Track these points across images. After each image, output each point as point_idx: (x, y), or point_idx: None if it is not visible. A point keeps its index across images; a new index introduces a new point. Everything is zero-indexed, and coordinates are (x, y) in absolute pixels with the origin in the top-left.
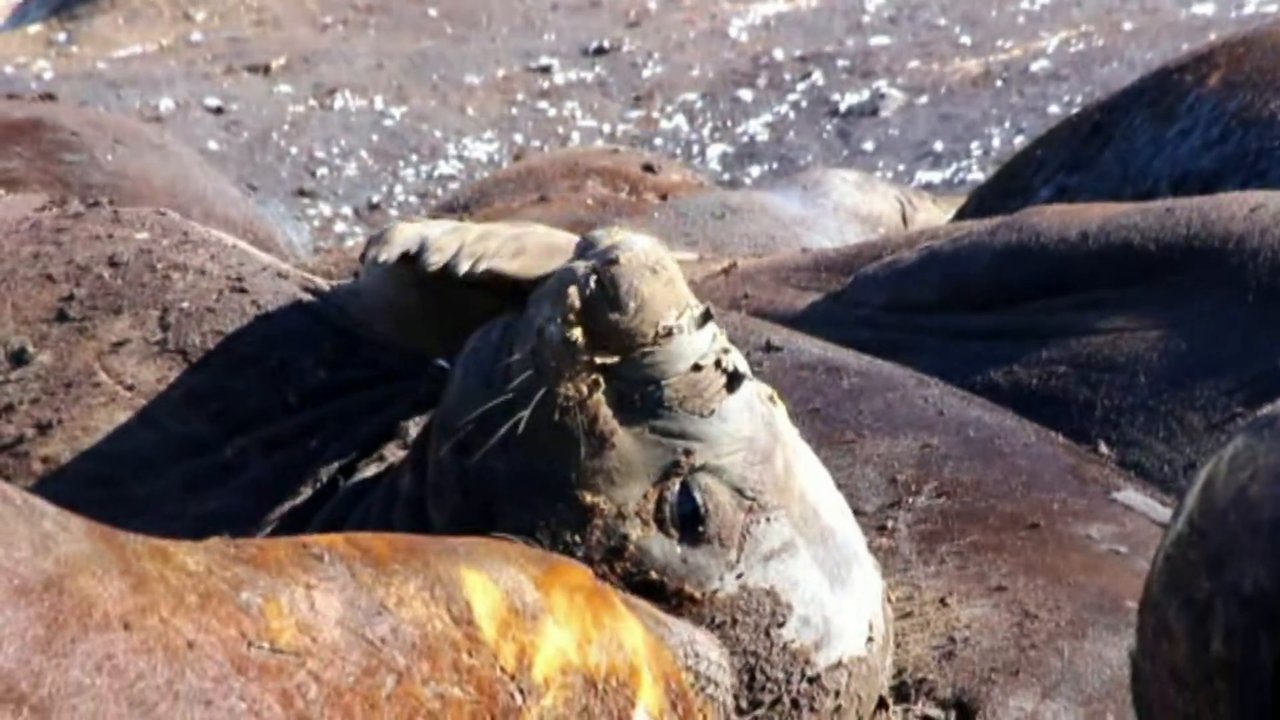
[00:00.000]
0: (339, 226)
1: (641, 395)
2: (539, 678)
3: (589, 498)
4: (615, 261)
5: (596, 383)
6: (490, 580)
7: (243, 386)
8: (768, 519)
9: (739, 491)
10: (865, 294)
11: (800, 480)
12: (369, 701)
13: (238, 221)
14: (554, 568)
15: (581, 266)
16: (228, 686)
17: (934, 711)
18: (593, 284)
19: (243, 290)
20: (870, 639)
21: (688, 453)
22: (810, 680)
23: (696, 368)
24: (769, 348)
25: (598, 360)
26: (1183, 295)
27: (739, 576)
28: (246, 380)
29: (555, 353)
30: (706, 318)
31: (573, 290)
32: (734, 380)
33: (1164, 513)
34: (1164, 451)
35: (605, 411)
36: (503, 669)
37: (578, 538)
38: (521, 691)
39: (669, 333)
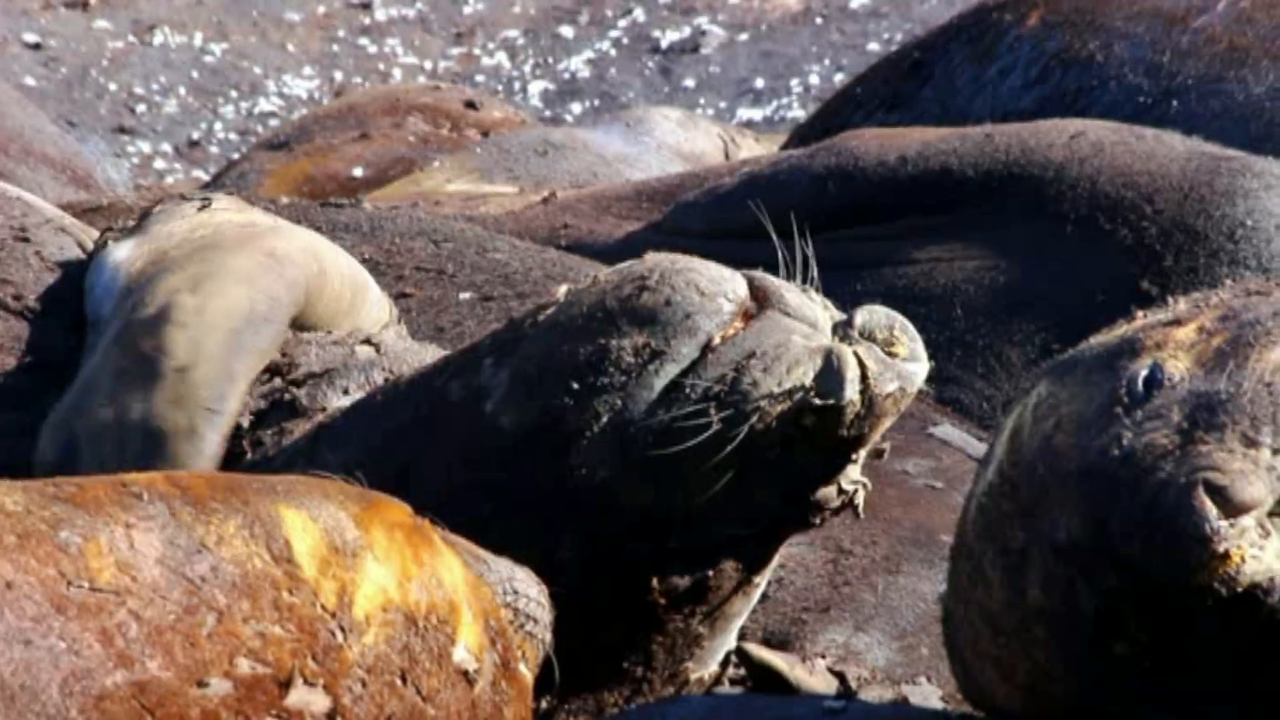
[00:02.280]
0: (159, 164)
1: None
2: (360, 615)
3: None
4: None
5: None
6: (309, 518)
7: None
8: None
9: None
10: (684, 220)
11: None
12: (189, 640)
13: (56, 159)
14: (373, 504)
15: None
16: (47, 626)
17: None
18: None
19: (25, 240)
20: None
21: None
22: None
23: None
24: None
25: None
26: (1001, 224)
27: None
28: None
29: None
30: None
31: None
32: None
33: (980, 448)
34: (982, 387)
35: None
36: (323, 607)
37: None
38: (342, 629)
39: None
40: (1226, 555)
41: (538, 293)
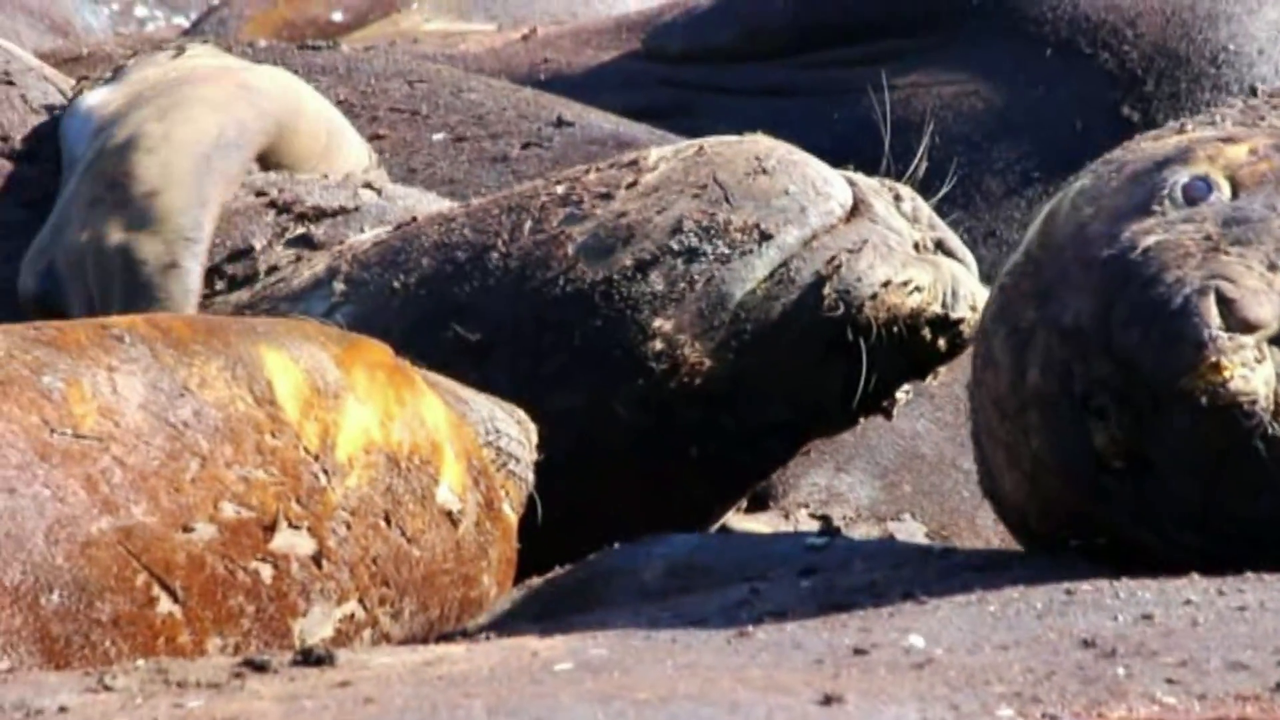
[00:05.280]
0: (139, 10)
1: None
2: (343, 457)
3: None
4: None
5: None
6: (291, 359)
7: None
8: None
9: None
10: (663, 41)
11: None
12: (173, 485)
13: (33, 5)
14: (354, 345)
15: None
16: (31, 474)
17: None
18: None
19: (10, 83)
20: None
21: None
22: None
23: None
24: (560, 123)
25: None
26: (982, 47)
27: None
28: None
29: None
30: None
31: None
32: None
33: None
34: (960, 217)
35: None
36: (306, 449)
37: None
38: (325, 472)
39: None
40: (1218, 366)
41: (511, 132)
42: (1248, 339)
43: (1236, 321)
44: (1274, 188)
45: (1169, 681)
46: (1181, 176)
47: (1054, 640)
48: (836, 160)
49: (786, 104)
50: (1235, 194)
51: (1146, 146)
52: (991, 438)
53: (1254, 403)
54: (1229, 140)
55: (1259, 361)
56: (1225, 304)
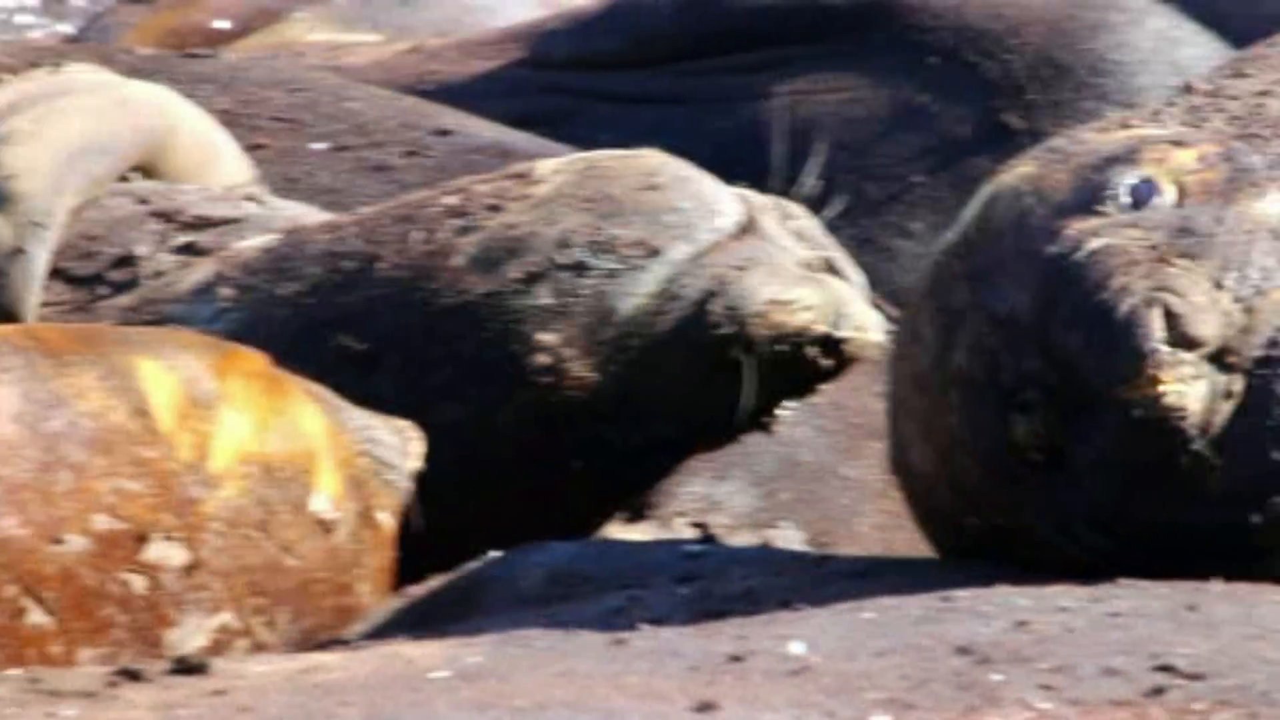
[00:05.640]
0: (20, 19)
1: None
2: (217, 468)
3: None
4: None
5: None
6: (167, 369)
7: None
8: None
9: None
10: (548, 48)
11: None
12: (45, 497)
13: None
14: (231, 354)
15: None
16: None
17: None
18: None
19: None
20: None
21: None
22: None
23: None
24: (441, 132)
25: None
26: (866, 56)
27: None
28: None
29: None
30: None
31: None
32: None
33: None
34: (841, 224)
35: None
36: (180, 461)
37: None
38: (200, 483)
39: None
40: (1156, 379)
41: (392, 141)
42: (1189, 355)
43: (1180, 337)
44: (1220, 199)
45: (1044, 688)
46: (1129, 178)
47: (930, 647)
48: (721, 168)
49: (671, 112)
50: (1180, 200)
51: (1092, 139)
52: (906, 411)
53: (1185, 419)
54: (1178, 144)
55: (1196, 379)
56: (1170, 318)
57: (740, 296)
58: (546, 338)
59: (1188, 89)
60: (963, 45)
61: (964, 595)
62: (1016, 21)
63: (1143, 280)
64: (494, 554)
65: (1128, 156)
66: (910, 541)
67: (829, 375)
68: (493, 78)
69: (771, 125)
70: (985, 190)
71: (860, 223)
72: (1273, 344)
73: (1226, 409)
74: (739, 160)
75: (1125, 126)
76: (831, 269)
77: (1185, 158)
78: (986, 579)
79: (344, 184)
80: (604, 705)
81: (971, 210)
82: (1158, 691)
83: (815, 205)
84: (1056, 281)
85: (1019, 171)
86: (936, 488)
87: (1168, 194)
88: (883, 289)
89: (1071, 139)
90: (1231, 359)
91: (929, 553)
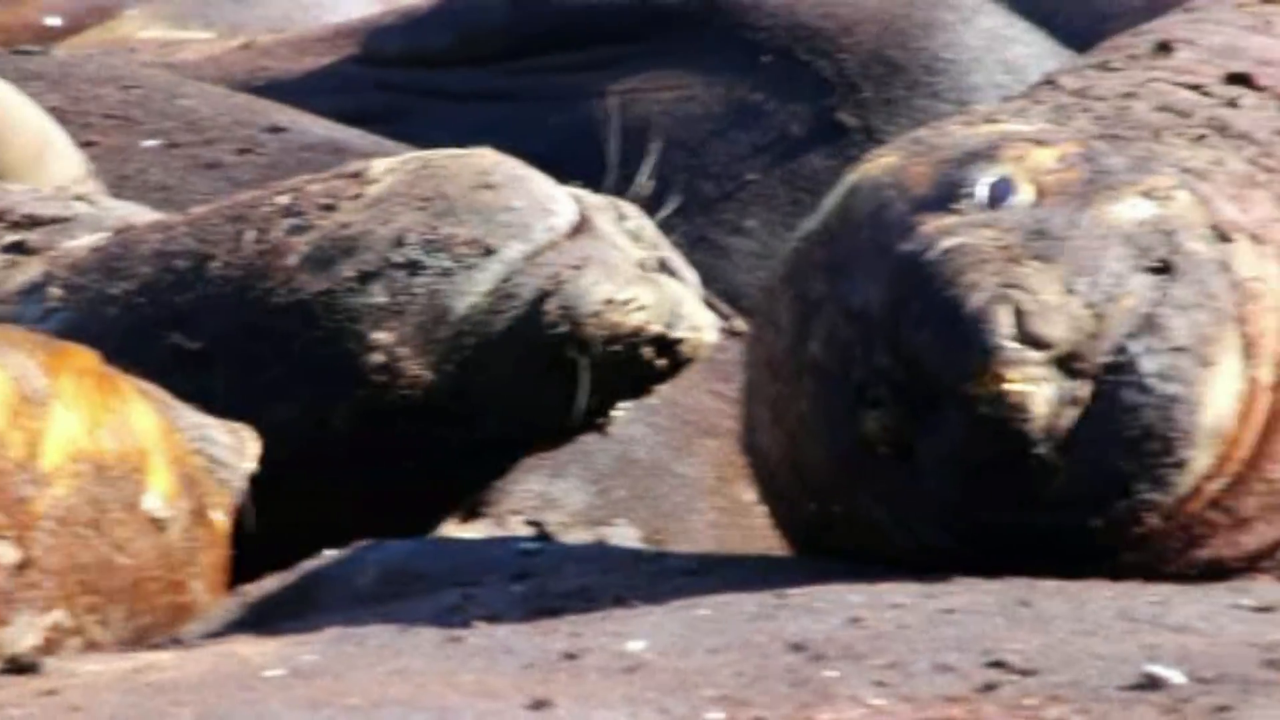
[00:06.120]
0: None
1: None
2: (48, 466)
3: None
4: None
5: None
6: None
7: None
8: None
9: None
10: (380, 44)
11: None
12: None
13: None
14: (62, 352)
15: None
16: None
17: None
18: None
19: None
20: None
21: None
22: None
23: None
24: (274, 129)
25: None
26: (699, 54)
27: None
28: None
29: None
30: None
31: None
32: None
33: None
34: (675, 222)
35: None
36: (11, 459)
37: None
38: (31, 482)
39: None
40: (1002, 376)
41: (225, 138)
42: (1036, 355)
43: (1028, 335)
44: (1077, 201)
45: (877, 684)
46: (987, 176)
47: (764, 644)
48: (556, 166)
49: (505, 109)
50: (1038, 200)
51: (956, 132)
52: (759, 394)
53: (1029, 420)
54: (1039, 142)
55: (1042, 380)
56: (1019, 316)
57: (575, 296)
58: (381, 337)
59: (1052, 84)
60: (796, 44)
61: (798, 592)
62: (849, 20)
63: (993, 277)
64: (329, 552)
65: (988, 153)
66: (745, 538)
67: (664, 376)
68: (325, 74)
69: (605, 123)
70: (848, 178)
71: (695, 220)
72: (1120, 351)
73: (1072, 415)
74: (573, 158)
75: (990, 121)
76: (666, 269)
77: (1045, 157)
78: (821, 575)
79: (176, 181)
80: (438, 703)
81: (833, 198)
82: (990, 687)
83: (650, 205)
84: (908, 279)
85: (882, 161)
86: (782, 471)
87: (1025, 193)
88: (716, 286)
89: (936, 131)
90: (1079, 365)
91: (764, 549)
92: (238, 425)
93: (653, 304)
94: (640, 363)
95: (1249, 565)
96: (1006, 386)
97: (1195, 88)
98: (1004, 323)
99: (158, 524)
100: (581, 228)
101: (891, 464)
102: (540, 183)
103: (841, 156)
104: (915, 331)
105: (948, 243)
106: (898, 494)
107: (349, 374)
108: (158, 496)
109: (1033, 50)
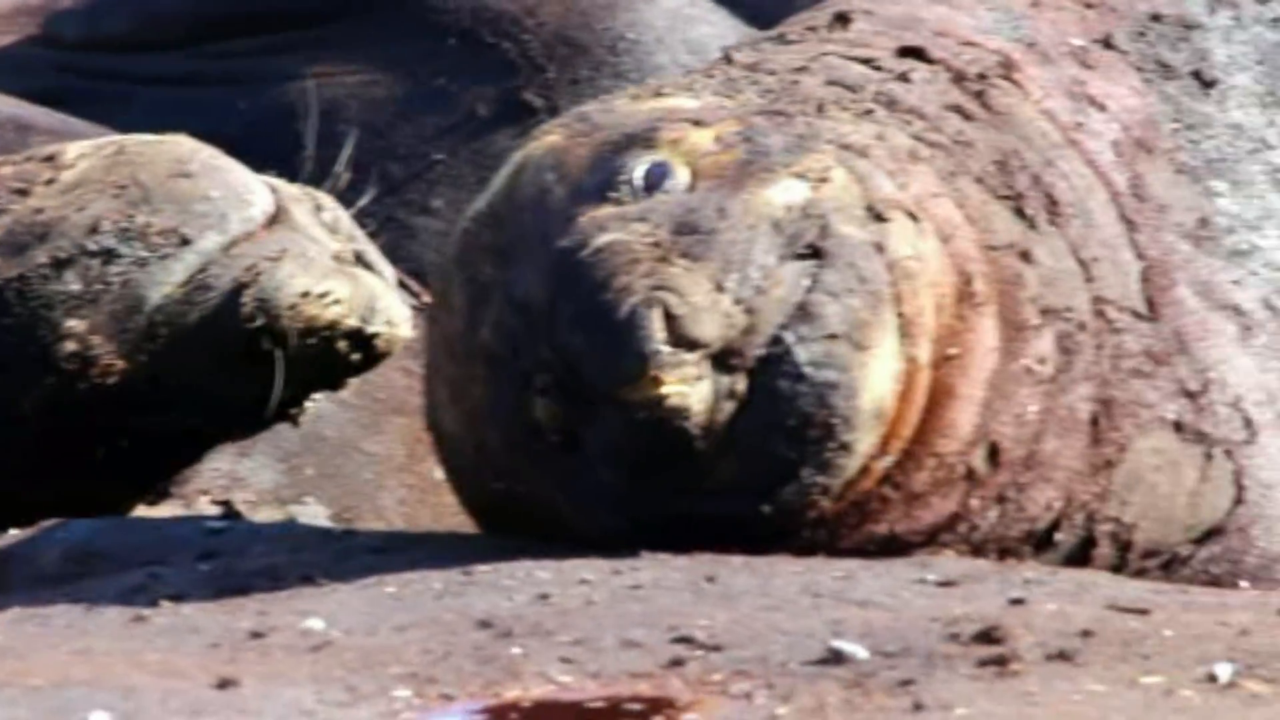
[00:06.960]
0: None
1: None
2: None
3: None
4: None
5: None
6: None
7: None
8: None
9: None
10: (59, 28)
11: None
12: None
13: None
14: None
15: None
16: None
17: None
18: None
19: None
20: None
21: None
22: None
23: None
24: None
25: None
26: (385, 37)
27: None
28: None
29: None
30: None
31: None
32: None
33: None
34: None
35: None
36: None
37: None
38: None
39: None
40: (657, 380)
41: None
42: (690, 355)
43: (680, 338)
44: (730, 186)
45: (564, 661)
46: (643, 162)
47: (452, 621)
48: (244, 149)
49: (194, 94)
50: (693, 184)
51: (621, 108)
52: (439, 373)
53: (686, 419)
54: (697, 123)
55: (698, 379)
56: (670, 319)
57: (272, 289)
58: (74, 324)
59: (727, 59)
60: (480, 25)
61: (486, 569)
62: (533, 1)
63: (644, 280)
64: (13, 531)
65: (645, 137)
66: (433, 515)
67: (358, 369)
68: (4, 54)
69: (295, 108)
70: (515, 157)
71: (383, 201)
72: (775, 342)
73: (730, 408)
74: (264, 139)
75: (658, 95)
76: (362, 262)
77: (701, 139)
78: (509, 553)
79: None
80: (122, 683)
81: (500, 179)
82: (677, 663)
83: (346, 197)
84: (563, 278)
85: (547, 141)
86: (465, 450)
87: (680, 177)
88: (405, 266)
89: (601, 107)
90: (734, 360)
91: (454, 527)
92: None
93: (349, 298)
94: (335, 356)
95: (928, 539)
96: (662, 390)
97: (867, 61)
98: (655, 328)
99: None
100: (278, 219)
101: (562, 451)
102: (238, 173)
103: (527, 137)
104: (570, 334)
105: (600, 240)
106: (571, 479)
107: (40, 361)
108: None
109: (718, 29)
